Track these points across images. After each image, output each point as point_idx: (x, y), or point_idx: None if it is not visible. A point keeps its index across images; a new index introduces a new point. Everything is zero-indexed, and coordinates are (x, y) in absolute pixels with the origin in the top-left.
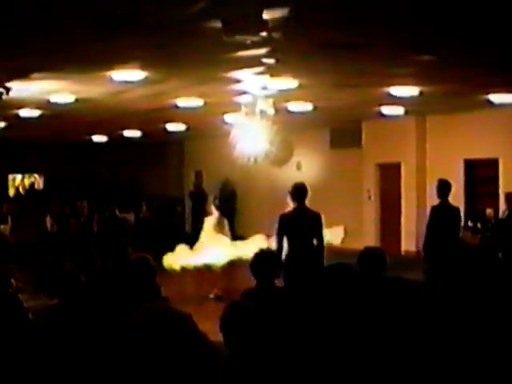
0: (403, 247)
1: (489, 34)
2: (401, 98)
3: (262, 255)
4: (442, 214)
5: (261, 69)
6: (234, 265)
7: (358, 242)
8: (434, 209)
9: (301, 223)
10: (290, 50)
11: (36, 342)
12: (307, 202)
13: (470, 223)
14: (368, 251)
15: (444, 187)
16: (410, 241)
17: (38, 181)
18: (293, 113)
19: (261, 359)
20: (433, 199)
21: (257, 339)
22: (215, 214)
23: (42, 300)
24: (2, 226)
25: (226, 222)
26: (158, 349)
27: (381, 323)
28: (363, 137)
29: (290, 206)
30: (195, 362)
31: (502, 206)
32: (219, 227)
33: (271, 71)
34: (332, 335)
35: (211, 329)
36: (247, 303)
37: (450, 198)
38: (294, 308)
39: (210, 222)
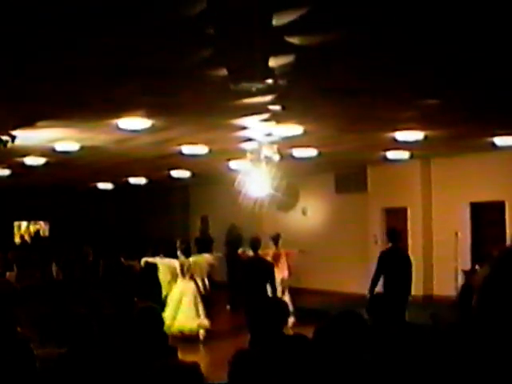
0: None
1: (492, 78)
2: (405, 143)
3: (270, 304)
4: (391, 259)
5: (266, 116)
6: None
7: (364, 286)
8: (383, 253)
9: (257, 271)
10: (296, 96)
11: None
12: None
13: (477, 267)
14: (376, 298)
15: (393, 234)
16: (416, 285)
17: (44, 228)
18: (297, 158)
19: None
20: (439, 243)
21: None
22: (180, 257)
23: (50, 348)
24: (7, 274)
25: (191, 261)
26: None
27: (389, 369)
28: (368, 181)
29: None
30: None
31: None
32: (189, 271)
33: (277, 118)
34: (341, 382)
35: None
36: (254, 351)
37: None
38: (302, 355)
39: (169, 267)
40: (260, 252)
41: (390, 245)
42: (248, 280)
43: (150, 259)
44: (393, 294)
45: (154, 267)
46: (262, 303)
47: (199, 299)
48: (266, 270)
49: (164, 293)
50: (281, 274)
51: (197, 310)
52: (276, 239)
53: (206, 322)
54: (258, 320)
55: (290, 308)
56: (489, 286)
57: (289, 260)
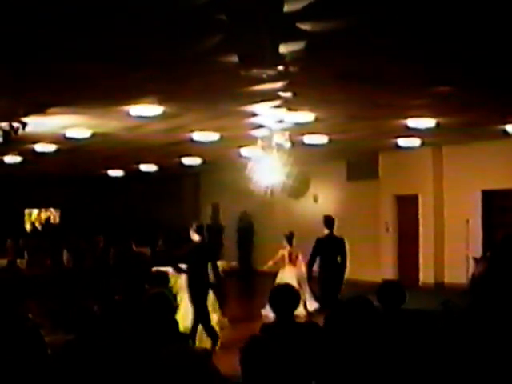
0: (421, 279)
1: (505, 65)
2: (417, 130)
3: (281, 290)
4: (327, 244)
5: (277, 102)
6: None
7: (375, 274)
8: (319, 240)
9: (202, 253)
10: (307, 83)
11: (54, 377)
12: None
13: (487, 254)
14: (386, 284)
15: (328, 222)
16: (428, 273)
17: (54, 215)
18: (309, 145)
19: None
20: (451, 231)
21: (275, 373)
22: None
23: (60, 335)
24: (18, 261)
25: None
26: None
27: (400, 356)
28: (380, 169)
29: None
30: None
31: None
32: None
33: (288, 104)
34: (351, 369)
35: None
36: (267, 337)
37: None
38: (313, 342)
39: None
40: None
41: (326, 232)
42: (193, 262)
43: (162, 268)
44: (329, 276)
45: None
46: (273, 290)
47: (215, 298)
48: (211, 252)
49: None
50: (298, 271)
51: (215, 307)
52: (290, 238)
53: (225, 322)
54: (270, 306)
55: (314, 304)
56: (488, 275)
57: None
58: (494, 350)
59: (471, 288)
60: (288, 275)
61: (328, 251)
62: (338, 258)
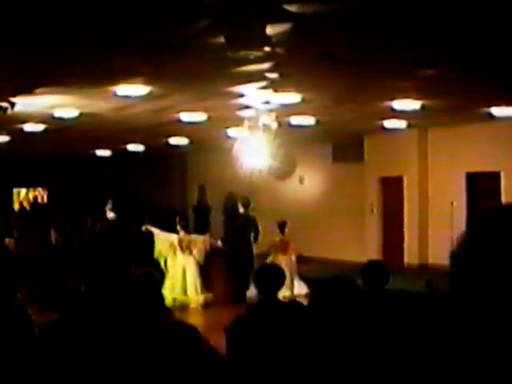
0: (406, 260)
1: (489, 48)
2: (403, 112)
3: (266, 269)
4: (243, 221)
5: (264, 83)
6: None
7: (360, 255)
8: (238, 218)
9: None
10: (293, 64)
11: (40, 356)
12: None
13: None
14: (371, 264)
15: (246, 202)
16: (412, 254)
17: (42, 195)
18: (295, 127)
19: (263, 371)
20: (435, 213)
21: (260, 353)
22: (180, 233)
23: (48, 315)
24: (6, 240)
25: (195, 237)
26: (169, 369)
27: (384, 336)
28: (365, 150)
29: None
30: (209, 376)
31: None
32: (188, 248)
33: (274, 86)
34: (334, 348)
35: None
36: (252, 317)
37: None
38: (297, 321)
39: (167, 240)
40: (267, 240)
41: (242, 210)
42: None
43: (150, 227)
44: (243, 249)
45: (151, 236)
46: (258, 269)
47: (199, 272)
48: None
49: (163, 257)
50: (289, 259)
51: (200, 283)
52: (282, 226)
53: (209, 296)
54: (255, 285)
55: (304, 288)
56: (466, 253)
57: (295, 250)
58: (478, 329)
59: (450, 264)
60: (279, 263)
61: (243, 228)
62: (252, 234)
